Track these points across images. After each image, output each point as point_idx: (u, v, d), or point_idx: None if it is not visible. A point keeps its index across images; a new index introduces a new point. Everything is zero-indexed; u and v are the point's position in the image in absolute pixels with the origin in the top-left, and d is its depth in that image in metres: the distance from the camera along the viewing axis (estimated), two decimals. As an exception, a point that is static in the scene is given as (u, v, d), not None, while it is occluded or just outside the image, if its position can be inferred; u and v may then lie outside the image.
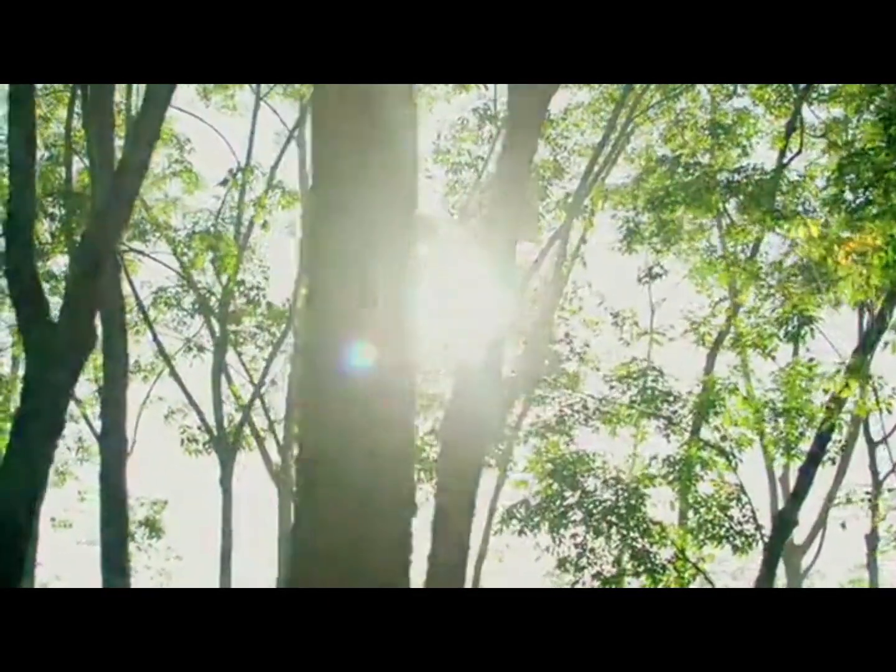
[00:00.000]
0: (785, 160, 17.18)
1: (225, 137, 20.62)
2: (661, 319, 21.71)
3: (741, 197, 15.32)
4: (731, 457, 15.10)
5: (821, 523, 20.84)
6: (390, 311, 4.66)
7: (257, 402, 21.40)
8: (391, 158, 4.84)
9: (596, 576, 15.07)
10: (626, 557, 15.15)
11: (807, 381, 16.24)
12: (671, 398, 15.17)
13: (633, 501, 15.05)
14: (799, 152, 17.42)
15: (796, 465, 15.43)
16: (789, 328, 14.88)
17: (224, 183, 18.67)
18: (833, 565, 29.94)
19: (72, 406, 22.02)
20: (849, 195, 13.58)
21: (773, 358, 18.81)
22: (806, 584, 23.07)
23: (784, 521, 14.37)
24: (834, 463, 16.32)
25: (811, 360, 18.28)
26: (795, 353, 21.65)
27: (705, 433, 15.51)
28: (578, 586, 15.25)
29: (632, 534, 15.14)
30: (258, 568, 27.05)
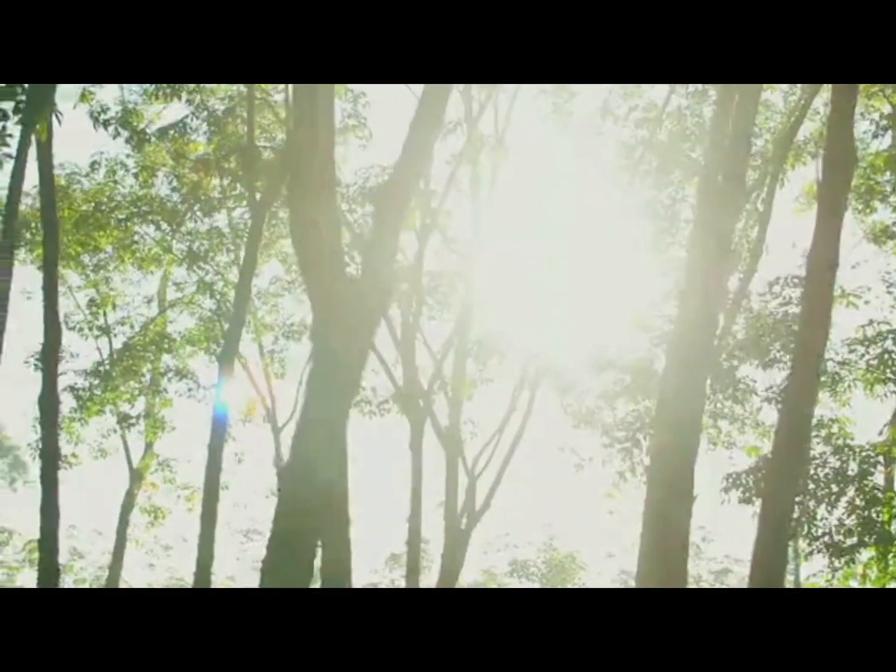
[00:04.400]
0: None
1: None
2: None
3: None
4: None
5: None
6: None
7: (427, 363, 21.03)
8: None
9: (827, 545, 14.60)
10: (853, 524, 14.65)
11: None
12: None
13: (864, 466, 14.57)
14: None
15: None
16: None
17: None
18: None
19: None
20: None
21: None
22: None
23: None
24: None
25: None
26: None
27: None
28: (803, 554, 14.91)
29: (857, 500, 14.65)
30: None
